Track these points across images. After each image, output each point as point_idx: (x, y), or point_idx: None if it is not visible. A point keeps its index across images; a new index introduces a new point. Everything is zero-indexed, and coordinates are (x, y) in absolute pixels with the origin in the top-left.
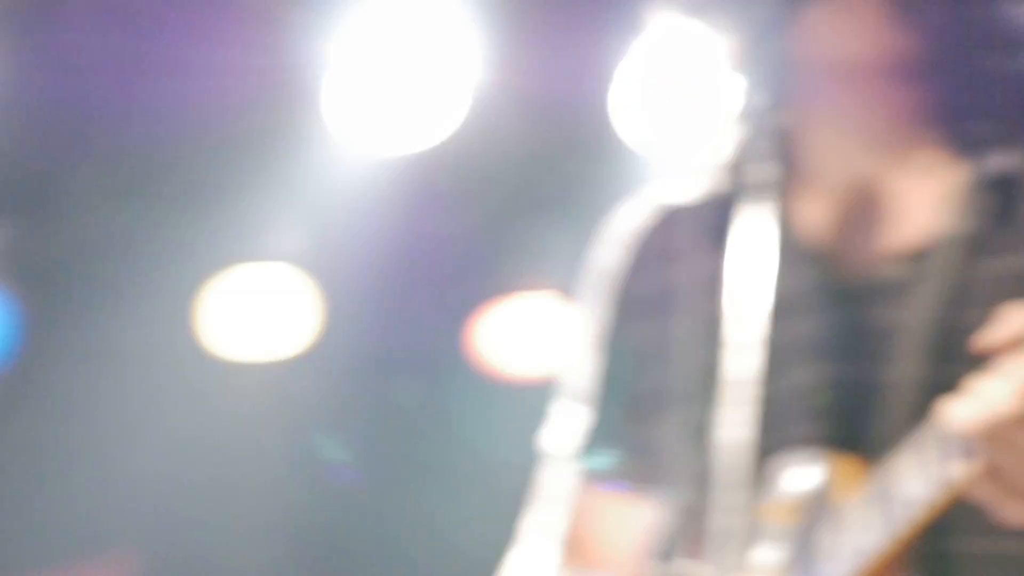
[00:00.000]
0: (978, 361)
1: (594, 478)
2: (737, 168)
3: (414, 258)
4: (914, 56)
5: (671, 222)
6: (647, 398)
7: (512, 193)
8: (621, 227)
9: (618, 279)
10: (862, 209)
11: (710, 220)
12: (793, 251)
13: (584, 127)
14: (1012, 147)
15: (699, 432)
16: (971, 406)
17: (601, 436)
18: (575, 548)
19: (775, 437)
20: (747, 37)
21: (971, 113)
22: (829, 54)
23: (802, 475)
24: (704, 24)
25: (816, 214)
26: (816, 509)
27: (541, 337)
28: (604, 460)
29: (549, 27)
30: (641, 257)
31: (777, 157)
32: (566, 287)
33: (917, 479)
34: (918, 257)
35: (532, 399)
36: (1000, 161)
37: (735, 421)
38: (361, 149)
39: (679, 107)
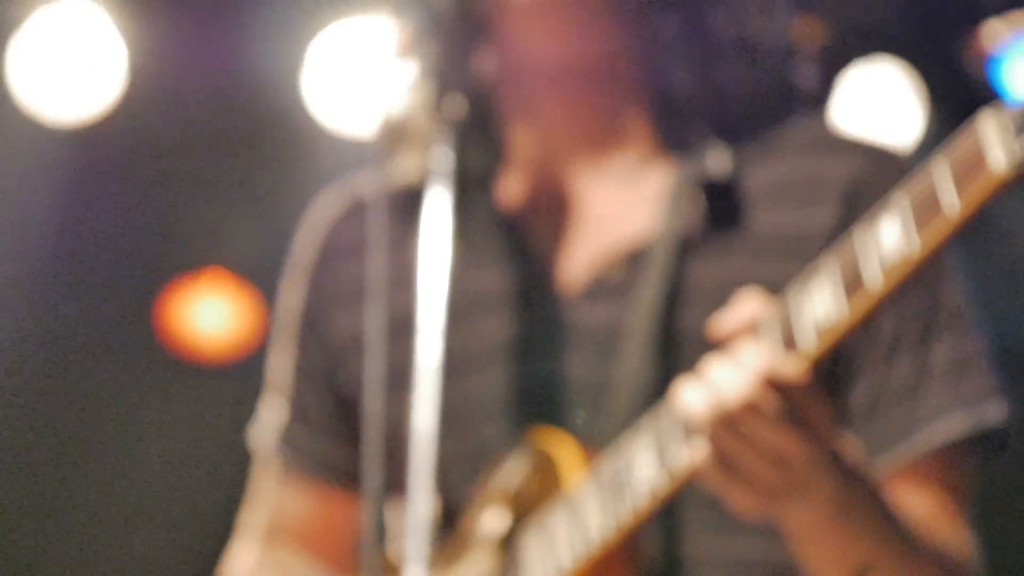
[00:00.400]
0: (697, 359)
1: (298, 471)
2: (435, 159)
3: (87, 234)
4: (616, 58)
5: (367, 213)
6: (349, 390)
7: (195, 170)
8: (319, 218)
9: (316, 271)
10: (574, 210)
11: (406, 212)
12: (500, 247)
13: (270, 105)
14: (723, 145)
15: (397, 426)
16: (701, 391)
17: (305, 429)
18: (280, 543)
19: (490, 434)
20: (432, 26)
21: (680, 116)
22: (527, 57)
23: (517, 463)
24: (388, 13)
25: (527, 212)
26: (532, 495)
27: (225, 319)
28: (309, 453)
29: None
30: (338, 248)
31: (480, 149)
32: (250, 267)
33: (648, 463)
34: (633, 259)
35: (221, 382)
36: (713, 163)
37: (430, 415)
38: (28, 119)
39: (367, 92)
